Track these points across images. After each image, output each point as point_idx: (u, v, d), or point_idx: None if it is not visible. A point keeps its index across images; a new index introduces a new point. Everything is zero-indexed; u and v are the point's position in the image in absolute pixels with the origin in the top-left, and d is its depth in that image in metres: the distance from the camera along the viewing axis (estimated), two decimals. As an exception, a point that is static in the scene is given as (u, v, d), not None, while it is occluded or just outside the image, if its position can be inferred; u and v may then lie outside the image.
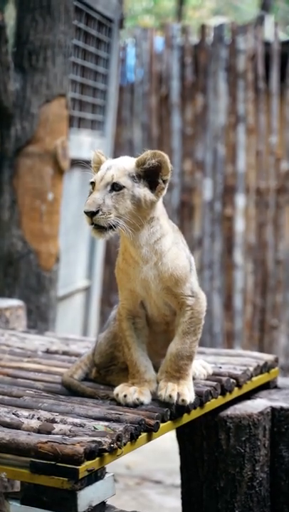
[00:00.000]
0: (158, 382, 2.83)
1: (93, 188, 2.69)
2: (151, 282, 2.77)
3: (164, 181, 2.69)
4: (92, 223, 2.62)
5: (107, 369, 3.02)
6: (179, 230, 2.88)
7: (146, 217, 2.70)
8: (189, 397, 2.79)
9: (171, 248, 2.77)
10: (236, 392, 3.12)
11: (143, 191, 2.67)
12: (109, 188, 2.65)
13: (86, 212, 2.61)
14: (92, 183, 2.70)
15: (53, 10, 4.59)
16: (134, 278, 2.79)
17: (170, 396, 2.76)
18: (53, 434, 2.49)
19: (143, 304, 2.85)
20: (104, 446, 2.41)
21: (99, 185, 2.66)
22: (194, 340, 2.82)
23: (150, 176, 2.69)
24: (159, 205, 2.76)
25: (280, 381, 3.46)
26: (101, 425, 2.54)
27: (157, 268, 2.75)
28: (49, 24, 4.60)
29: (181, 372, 2.81)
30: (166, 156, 2.68)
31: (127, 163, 2.72)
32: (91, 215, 2.61)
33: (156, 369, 2.89)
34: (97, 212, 2.61)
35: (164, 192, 2.71)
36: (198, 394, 2.87)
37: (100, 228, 2.63)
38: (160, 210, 2.77)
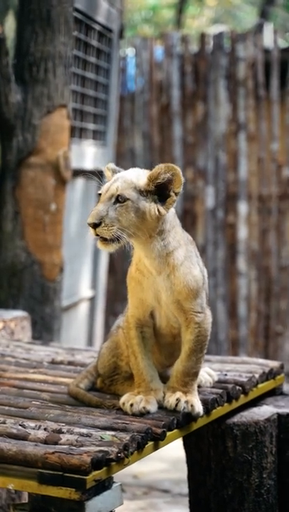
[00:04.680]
0: (164, 394, 2.85)
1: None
2: (164, 293, 2.77)
3: (176, 194, 2.68)
4: (96, 235, 2.63)
5: (111, 378, 3.02)
6: (193, 241, 2.87)
7: (153, 230, 2.69)
8: (198, 406, 2.80)
9: (184, 262, 2.76)
10: (242, 400, 3.12)
11: (149, 205, 2.66)
12: (113, 199, 2.64)
13: (89, 224, 2.62)
14: (100, 195, 2.69)
15: (53, 21, 4.61)
16: (147, 288, 2.79)
17: (178, 404, 2.77)
18: (60, 444, 2.49)
19: (152, 314, 2.85)
20: (111, 456, 2.41)
21: (104, 197, 2.66)
22: (200, 357, 2.83)
23: (160, 189, 2.68)
24: (170, 218, 2.74)
25: (286, 387, 3.46)
26: (108, 435, 2.54)
27: (170, 280, 2.75)
28: (49, 36, 4.62)
29: (188, 386, 2.83)
30: (178, 169, 2.67)
31: (135, 175, 2.71)
32: (94, 226, 2.61)
33: (160, 373, 2.91)
34: (100, 224, 2.61)
35: (174, 204, 2.71)
36: (204, 402, 2.87)
37: (105, 240, 2.63)
38: (172, 223, 2.75)
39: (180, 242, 2.78)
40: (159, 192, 2.68)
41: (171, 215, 2.75)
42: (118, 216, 2.62)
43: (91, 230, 2.63)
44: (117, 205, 2.63)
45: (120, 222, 2.62)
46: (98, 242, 2.65)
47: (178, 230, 2.79)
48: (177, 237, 2.77)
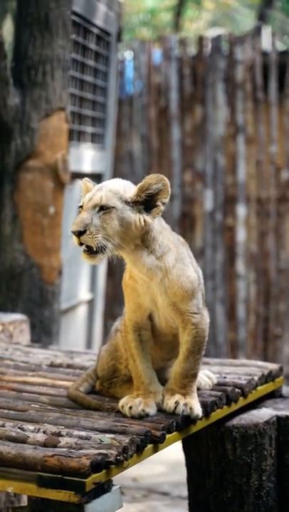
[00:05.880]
0: (163, 397, 2.85)
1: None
2: (159, 297, 2.77)
3: (163, 204, 2.67)
4: (80, 244, 2.59)
5: (110, 381, 3.02)
6: (185, 242, 2.86)
7: (137, 240, 2.68)
8: (197, 408, 2.80)
9: (176, 265, 2.76)
10: (241, 402, 3.12)
11: (134, 216, 2.65)
12: (97, 208, 2.62)
13: (73, 232, 2.58)
14: (81, 207, 2.66)
15: (51, 25, 4.61)
16: (143, 293, 2.79)
17: (176, 406, 2.77)
18: (59, 447, 2.48)
19: (150, 316, 2.85)
20: (110, 459, 2.41)
21: (87, 206, 2.63)
22: (198, 358, 2.83)
23: (147, 199, 2.67)
24: (155, 226, 2.73)
25: (285, 390, 3.46)
26: (107, 437, 2.54)
27: (164, 284, 2.75)
28: (47, 39, 4.62)
29: (186, 388, 2.83)
30: (167, 180, 2.67)
31: (120, 186, 2.69)
32: (78, 234, 2.58)
33: (159, 375, 2.91)
34: (85, 231, 2.58)
35: (160, 214, 2.70)
36: (203, 404, 2.87)
37: (89, 252, 2.60)
38: (157, 229, 2.74)
39: (169, 246, 2.76)
40: (146, 202, 2.67)
41: (156, 221, 2.74)
42: (103, 224, 2.60)
43: (75, 239, 2.59)
44: (101, 213, 2.61)
45: (105, 230, 2.59)
46: (83, 255, 2.62)
47: (166, 235, 2.78)
48: (165, 241, 2.76)
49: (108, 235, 2.60)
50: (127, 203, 2.65)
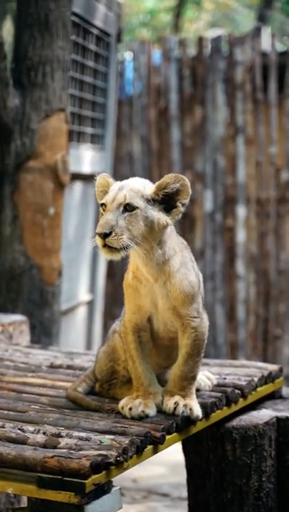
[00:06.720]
0: (163, 398, 2.85)
1: (104, 210, 2.65)
2: (160, 300, 2.77)
3: (183, 205, 2.67)
4: (104, 245, 2.58)
5: (110, 383, 3.02)
6: (187, 246, 2.87)
7: (156, 240, 2.68)
8: (196, 409, 2.80)
9: (180, 269, 2.76)
10: (241, 403, 3.12)
11: (157, 214, 2.65)
12: (121, 208, 2.61)
13: (99, 234, 2.57)
14: (103, 205, 2.66)
15: (51, 26, 4.61)
16: (145, 295, 2.79)
17: (176, 407, 2.77)
18: (59, 448, 2.48)
19: (149, 319, 2.85)
20: (110, 460, 2.41)
21: (111, 206, 2.62)
22: (197, 361, 2.83)
23: (166, 199, 2.67)
24: (168, 227, 2.75)
25: (285, 391, 3.46)
26: (107, 438, 2.54)
27: (166, 287, 2.75)
28: (47, 40, 4.63)
29: (185, 390, 2.83)
30: (187, 181, 2.67)
31: (140, 184, 2.69)
32: (104, 236, 2.57)
33: (158, 376, 2.91)
34: (110, 233, 2.57)
35: (180, 215, 2.70)
36: (203, 405, 2.87)
37: (111, 249, 2.59)
38: (168, 231, 2.75)
39: (175, 249, 2.77)
40: (166, 202, 2.67)
41: None
42: (128, 225, 2.60)
43: (99, 240, 2.58)
44: (126, 214, 2.61)
45: (130, 232, 2.59)
46: (104, 250, 2.59)
47: (173, 237, 2.78)
48: (173, 244, 2.76)
49: (133, 235, 2.60)
50: (148, 201, 2.65)
